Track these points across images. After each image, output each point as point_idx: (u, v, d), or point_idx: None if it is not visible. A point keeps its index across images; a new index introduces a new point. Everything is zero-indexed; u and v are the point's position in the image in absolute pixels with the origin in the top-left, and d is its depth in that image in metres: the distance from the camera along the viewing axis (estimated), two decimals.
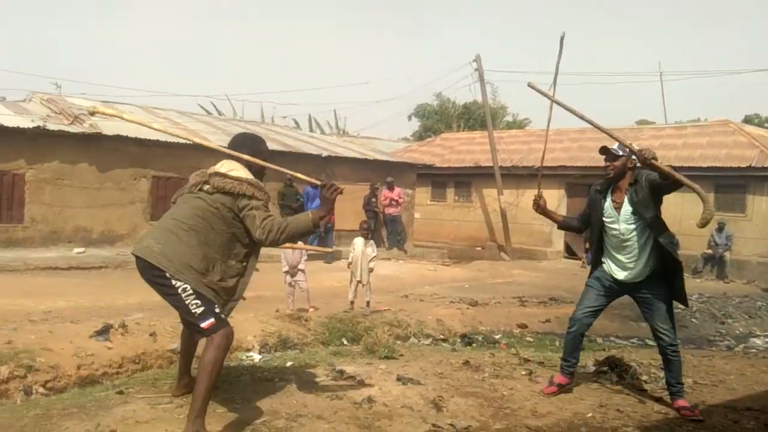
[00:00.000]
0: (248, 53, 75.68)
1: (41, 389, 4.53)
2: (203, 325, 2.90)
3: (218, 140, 13.49)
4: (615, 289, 3.93)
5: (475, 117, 30.45)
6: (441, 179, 20.21)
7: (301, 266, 7.53)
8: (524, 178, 17.45)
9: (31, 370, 4.61)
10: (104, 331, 5.33)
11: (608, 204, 3.86)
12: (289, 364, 4.55)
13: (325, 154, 14.85)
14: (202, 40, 73.53)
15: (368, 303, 7.49)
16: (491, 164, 18.01)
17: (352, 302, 7.58)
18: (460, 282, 11.65)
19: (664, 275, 3.78)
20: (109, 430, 2.96)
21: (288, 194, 13.05)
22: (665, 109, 34.52)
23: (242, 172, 3.11)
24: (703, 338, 7.82)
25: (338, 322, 6.85)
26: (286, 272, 7.48)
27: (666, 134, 18.14)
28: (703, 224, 3.42)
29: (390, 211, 14.91)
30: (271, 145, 14.24)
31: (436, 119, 32.76)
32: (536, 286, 11.38)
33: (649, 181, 3.68)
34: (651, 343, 6.22)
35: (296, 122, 28.75)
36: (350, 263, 7.64)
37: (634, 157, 3.68)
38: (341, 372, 4.18)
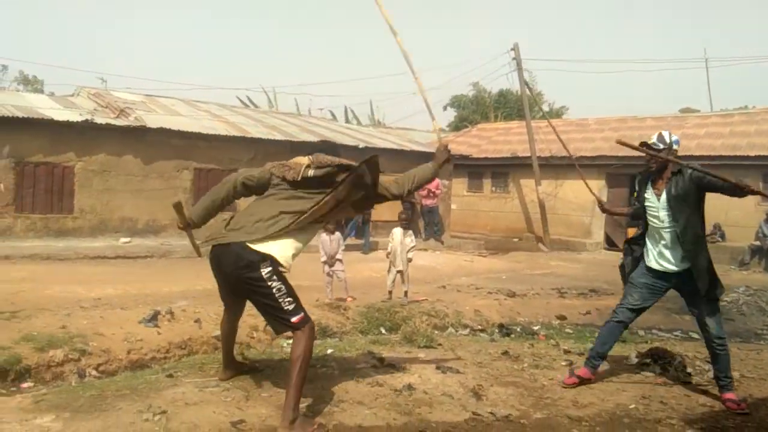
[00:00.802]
0: (285, 46, 76.35)
1: (94, 372, 4.74)
2: (294, 319, 3.04)
3: (257, 132, 13.72)
4: (659, 286, 3.89)
5: (511, 105, 30.03)
6: (478, 170, 20.06)
7: (339, 256, 7.62)
8: (562, 168, 17.15)
9: (84, 353, 4.84)
10: (153, 318, 5.54)
11: (650, 192, 3.88)
12: (329, 351, 4.63)
13: (362, 145, 14.90)
14: (238, 32, 74.49)
15: (406, 293, 7.54)
16: (529, 154, 17.78)
17: (390, 292, 7.64)
18: (498, 273, 11.57)
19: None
20: (160, 411, 3.08)
21: None
22: (711, 96, 33.30)
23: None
24: (751, 332, 7.59)
25: (376, 312, 6.91)
26: (325, 262, 7.58)
27: (712, 122, 17.58)
28: None
29: (427, 202, 14.88)
30: (308, 137, 14.39)
31: (472, 109, 32.43)
32: (575, 278, 11.21)
33: (694, 180, 3.67)
34: (695, 335, 6.10)
35: (333, 114, 28.85)
36: (389, 253, 7.70)
37: (676, 147, 3.81)
38: (381, 360, 4.24)
